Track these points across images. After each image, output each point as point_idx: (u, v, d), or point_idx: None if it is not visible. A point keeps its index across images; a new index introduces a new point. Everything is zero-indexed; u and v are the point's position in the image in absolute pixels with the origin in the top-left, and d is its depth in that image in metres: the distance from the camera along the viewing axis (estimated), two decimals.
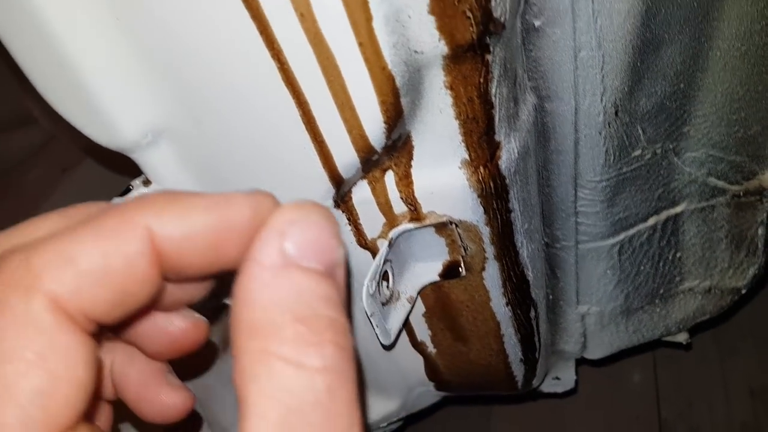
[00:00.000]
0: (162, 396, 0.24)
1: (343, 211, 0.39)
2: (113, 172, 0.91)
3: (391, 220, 0.39)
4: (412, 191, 0.37)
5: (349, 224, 0.40)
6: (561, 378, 0.65)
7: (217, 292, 0.23)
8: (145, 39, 0.32)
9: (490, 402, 0.90)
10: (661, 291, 0.55)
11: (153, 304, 0.21)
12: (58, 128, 0.96)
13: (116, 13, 0.31)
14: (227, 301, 0.39)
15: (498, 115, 0.34)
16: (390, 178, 0.37)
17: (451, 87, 0.33)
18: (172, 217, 0.18)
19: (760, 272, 0.56)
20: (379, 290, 0.38)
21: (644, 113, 0.42)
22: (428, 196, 0.37)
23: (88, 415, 0.17)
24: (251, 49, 0.30)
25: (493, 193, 0.37)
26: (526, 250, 0.41)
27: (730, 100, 0.43)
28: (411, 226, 0.38)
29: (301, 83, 0.31)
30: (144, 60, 0.33)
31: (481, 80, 0.32)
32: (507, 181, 0.37)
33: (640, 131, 0.42)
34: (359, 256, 0.41)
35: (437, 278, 0.41)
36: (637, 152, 0.44)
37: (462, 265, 0.40)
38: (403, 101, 0.32)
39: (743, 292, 0.57)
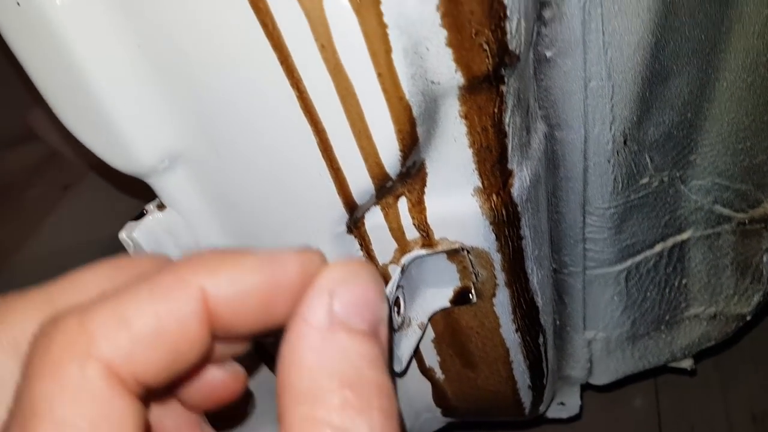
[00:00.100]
0: None
1: (355, 237, 0.39)
2: (117, 189, 0.91)
3: (403, 246, 0.39)
4: (425, 217, 0.38)
5: (361, 250, 0.40)
6: (566, 403, 0.65)
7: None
8: (166, 66, 0.32)
9: (494, 427, 0.89)
10: (667, 317, 0.55)
11: (201, 364, 0.21)
12: (62, 144, 0.96)
13: (139, 41, 0.32)
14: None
15: (511, 144, 0.35)
16: (403, 205, 0.38)
17: (466, 116, 0.33)
18: (224, 277, 0.18)
19: (765, 299, 0.56)
20: (390, 316, 0.38)
21: (652, 142, 0.42)
22: (441, 223, 0.38)
23: None
24: (271, 77, 0.31)
25: (505, 220, 0.37)
26: (536, 276, 0.42)
27: (736, 129, 0.44)
28: (423, 252, 0.38)
29: (319, 112, 0.32)
30: (164, 86, 0.33)
31: (496, 110, 0.33)
32: (519, 208, 0.37)
33: (648, 159, 0.43)
34: None
35: (448, 304, 0.41)
36: (645, 180, 0.44)
37: (473, 291, 0.40)
38: (419, 130, 0.32)
39: (748, 318, 0.57)
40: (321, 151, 0.33)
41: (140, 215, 0.38)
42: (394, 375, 0.43)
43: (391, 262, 0.40)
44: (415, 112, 0.31)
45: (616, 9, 0.35)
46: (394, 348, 0.38)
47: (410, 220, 0.38)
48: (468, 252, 0.38)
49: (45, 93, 0.34)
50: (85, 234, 0.94)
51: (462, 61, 0.30)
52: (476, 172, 0.35)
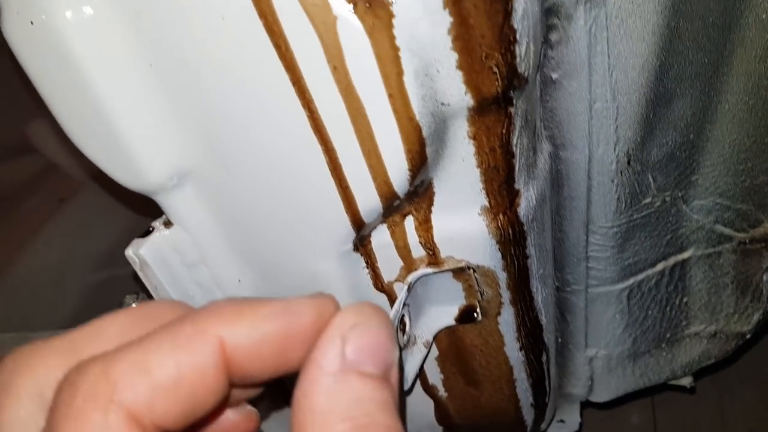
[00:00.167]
0: None
1: (361, 255, 0.39)
2: (116, 199, 0.91)
3: (409, 264, 0.39)
4: (432, 236, 0.38)
5: (367, 267, 0.40)
6: (566, 421, 0.65)
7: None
8: (178, 86, 0.33)
9: None
10: (668, 335, 0.55)
11: (218, 410, 0.21)
12: (59, 156, 0.95)
13: (150, 60, 0.32)
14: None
15: (518, 164, 0.35)
16: (410, 223, 0.38)
17: (475, 137, 0.33)
18: (242, 326, 0.18)
19: (765, 317, 0.57)
20: (397, 335, 0.38)
21: (655, 162, 0.43)
22: (447, 241, 0.38)
23: None
24: (282, 97, 0.31)
25: (512, 239, 0.37)
26: (541, 295, 0.42)
27: (738, 150, 0.45)
28: (430, 270, 0.38)
29: (330, 131, 0.32)
30: (175, 105, 0.33)
31: (504, 131, 0.33)
32: (525, 227, 0.37)
33: (651, 180, 0.43)
34: (375, 299, 0.41)
35: (453, 322, 0.41)
36: (648, 200, 0.44)
37: (478, 309, 0.41)
38: (428, 150, 0.33)
39: (748, 336, 0.57)
40: (330, 169, 0.33)
41: (147, 232, 0.38)
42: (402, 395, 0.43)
43: (396, 280, 0.40)
44: (425, 132, 0.32)
45: (621, 33, 0.36)
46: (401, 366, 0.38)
47: (417, 239, 0.38)
48: (474, 270, 0.39)
49: (54, 110, 0.34)
50: (80, 247, 0.94)
51: (472, 83, 0.31)
52: (483, 191, 0.35)
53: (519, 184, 0.36)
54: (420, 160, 0.33)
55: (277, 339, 0.19)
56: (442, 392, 0.48)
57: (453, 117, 0.32)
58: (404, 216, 0.38)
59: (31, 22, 0.32)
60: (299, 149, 0.33)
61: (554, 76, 0.38)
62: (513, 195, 0.36)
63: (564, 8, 0.35)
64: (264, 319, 0.19)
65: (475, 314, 0.41)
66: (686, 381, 0.64)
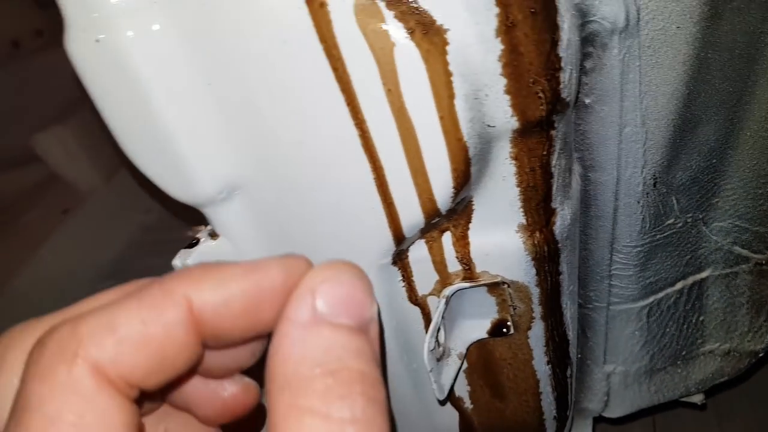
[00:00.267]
0: None
1: (399, 268, 0.40)
2: (144, 191, 0.90)
3: (445, 278, 0.41)
4: (468, 251, 0.39)
5: (403, 281, 0.41)
6: None
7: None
8: (234, 105, 0.34)
9: None
10: (684, 352, 0.57)
11: (194, 370, 0.21)
12: (63, 167, 0.96)
13: (209, 79, 0.34)
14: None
15: (556, 184, 0.37)
16: (447, 239, 0.39)
17: (516, 158, 0.35)
18: (209, 285, 0.19)
19: None
20: (434, 345, 0.40)
21: (679, 185, 0.44)
22: (483, 257, 0.39)
23: None
24: (336, 117, 0.33)
25: (546, 256, 0.39)
26: (569, 311, 0.43)
27: (757, 175, 0.46)
28: (466, 284, 0.40)
29: (379, 150, 0.33)
30: (229, 123, 0.35)
31: (544, 153, 0.35)
32: (559, 245, 0.39)
33: (675, 201, 0.45)
34: (409, 312, 0.42)
35: (485, 335, 0.42)
36: (671, 221, 0.46)
37: (510, 323, 0.42)
38: (473, 169, 0.34)
39: (761, 355, 0.59)
40: (377, 186, 0.35)
41: (193, 243, 0.40)
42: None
43: (430, 294, 0.42)
44: (471, 152, 0.33)
45: (653, 62, 0.38)
46: (436, 377, 0.39)
47: (453, 254, 0.40)
48: (508, 285, 0.40)
49: (111, 124, 0.36)
50: (84, 258, 0.94)
51: (518, 107, 0.32)
52: (521, 209, 0.37)
53: (555, 204, 0.38)
54: (464, 178, 0.34)
55: (246, 297, 0.19)
56: (467, 404, 0.49)
57: (497, 138, 0.34)
58: (442, 232, 0.39)
59: (97, 40, 0.33)
60: (348, 167, 0.34)
61: (587, 101, 0.40)
62: (549, 214, 0.38)
63: (600, 38, 0.36)
64: (231, 277, 0.19)
65: (507, 328, 0.42)
66: (698, 398, 0.65)
